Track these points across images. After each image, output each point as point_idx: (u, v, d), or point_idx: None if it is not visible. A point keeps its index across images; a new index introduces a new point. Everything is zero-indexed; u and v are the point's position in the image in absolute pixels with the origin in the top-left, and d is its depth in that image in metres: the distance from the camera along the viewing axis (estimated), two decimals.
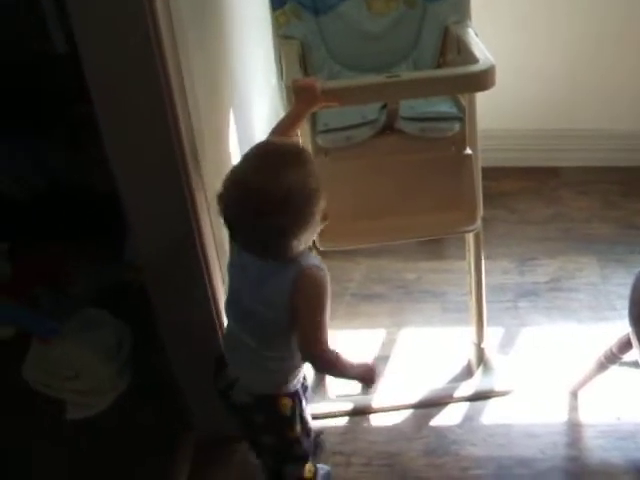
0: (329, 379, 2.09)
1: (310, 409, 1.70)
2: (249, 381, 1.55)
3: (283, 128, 1.53)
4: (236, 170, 1.33)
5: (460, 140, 1.81)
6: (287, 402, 1.55)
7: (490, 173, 2.29)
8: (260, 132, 2.23)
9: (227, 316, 1.59)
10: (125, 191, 1.54)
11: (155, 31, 1.33)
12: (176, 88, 1.42)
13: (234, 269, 1.50)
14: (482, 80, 1.62)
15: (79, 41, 1.34)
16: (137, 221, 1.60)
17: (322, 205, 1.32)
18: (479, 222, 1.90)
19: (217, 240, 1.69)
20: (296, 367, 1.54)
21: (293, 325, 1.41)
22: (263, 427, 1.60)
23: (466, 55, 1.74)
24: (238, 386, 1.56)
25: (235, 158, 1.92)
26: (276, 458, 1.71)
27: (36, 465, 1.95)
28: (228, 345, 1.60)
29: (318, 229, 1.37)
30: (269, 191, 1.26)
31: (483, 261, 2.02)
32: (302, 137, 1.77)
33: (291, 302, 1.38)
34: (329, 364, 1.47)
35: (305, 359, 1.47)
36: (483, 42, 1.80)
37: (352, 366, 1.51)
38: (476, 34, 1.84)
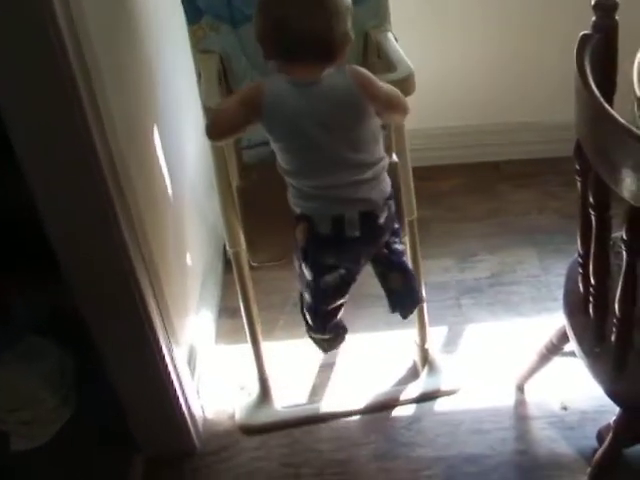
0: (274, 389, 2.09)
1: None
2: (376, 194, 1.65)
3: None
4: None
5: (386, 148, 1.80)
6: None
7: (427, 172, 2.31)
8: (191, 151, 2.24)
9: (315, 177, 1.62)
10: (48, 219, 1.53)
11: (64, 59, 1.32)
12: (90, 112, 1.41)
13: (293, 128, 1.56)
14: (401, 88, 1.63)
15: None
16: (62, 246, 1.59)
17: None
18: (406, 228, 1.92)
19: (145, 255, 1.68)
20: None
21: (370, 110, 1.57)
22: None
23: (386, 60, 1.75)
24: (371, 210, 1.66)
25: (164, 175, 1.91)
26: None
27: None
28: (334, 202, 1.64)
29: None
30: None
31: (421, 261, 2.03)
32: (227, 154, 1.78)
33: (360, 92, 1.54)
34: None
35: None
36: (407, 41, 1.81)
37: None
38: (396, 39, 1.83)
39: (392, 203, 1.71)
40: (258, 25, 1.55)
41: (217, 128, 1.61)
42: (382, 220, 1.68)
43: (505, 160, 2.98)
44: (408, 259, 1.90)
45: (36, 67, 1.32)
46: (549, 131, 2.92)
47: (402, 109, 1.65)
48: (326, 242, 1.68)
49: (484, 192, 2.85)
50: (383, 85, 1.59)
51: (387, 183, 1.68)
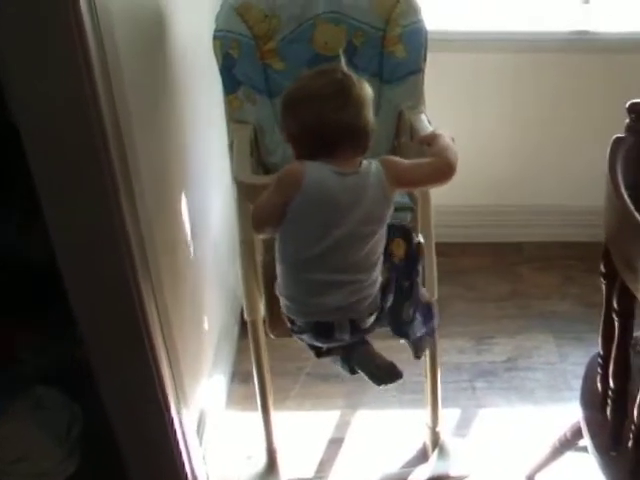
0: (281, 461, 2.06)
1: None
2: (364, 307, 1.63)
3: None
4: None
5: (412, 228, 1.81)
6: None
7: (449, 249, 2.30)
8: (216, 214, 2.25)
9: (323, 270, 1.58)
10: (67, 275, 1.53)
11: (98, 119, 1.33)
12: (120, 176, 1.41)
13: (315, 217, 1.54)
14: None
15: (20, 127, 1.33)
16: (79, 302, 1.58)
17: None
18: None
19: (160, 313, 1.67)
20: None
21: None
22: None
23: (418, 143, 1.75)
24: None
25: (187, 238, 1.92)
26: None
27: None
28: (325, 308, 1.61)
29: None
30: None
31: (438, 342, 2.01)
32: None
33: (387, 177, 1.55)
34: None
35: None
36: (439, 123, 1.82)
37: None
38: (429, 121, 1.85)
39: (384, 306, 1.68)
40: (291, 127, 1.56)
41: (259, 224, 1.61)
42: (367, 325, 1.66)
43: (528, 242, 2.98)
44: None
45: (70, 126, 1.32)
46: (573, 215, 2.93)
47: (438, 178, 1.62)
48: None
49: (505, 273, 2.85)
50: (414, 166, 1.60)
51: (377, 301, 1.65)
